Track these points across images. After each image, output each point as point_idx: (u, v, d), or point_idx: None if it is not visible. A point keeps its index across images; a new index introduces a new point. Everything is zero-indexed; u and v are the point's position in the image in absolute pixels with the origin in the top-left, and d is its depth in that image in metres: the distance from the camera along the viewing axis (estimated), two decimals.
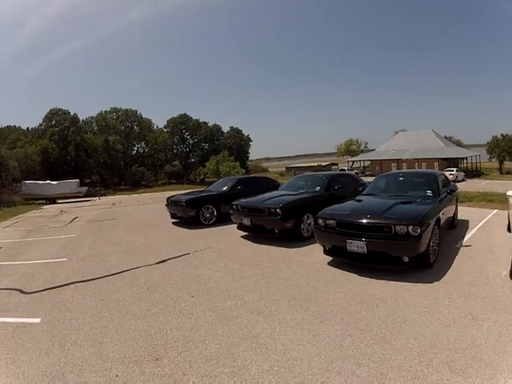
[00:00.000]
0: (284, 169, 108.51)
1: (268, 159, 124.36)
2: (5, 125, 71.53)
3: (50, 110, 66.53)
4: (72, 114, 66.60)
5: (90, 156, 65.99)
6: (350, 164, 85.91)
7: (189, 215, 14.18)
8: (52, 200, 39.40)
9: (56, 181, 43.80)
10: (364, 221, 7.12)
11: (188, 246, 10.52)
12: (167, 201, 15.98)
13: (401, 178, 10.74)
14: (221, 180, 18.85)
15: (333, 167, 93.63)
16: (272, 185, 16.30)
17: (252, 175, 22.46)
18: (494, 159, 80.00)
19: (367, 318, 5.13)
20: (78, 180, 44.86)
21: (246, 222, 10.77)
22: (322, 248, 8.06)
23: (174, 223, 15.19)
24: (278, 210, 9.96)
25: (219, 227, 13.59)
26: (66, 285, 7.48)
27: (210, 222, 14.35)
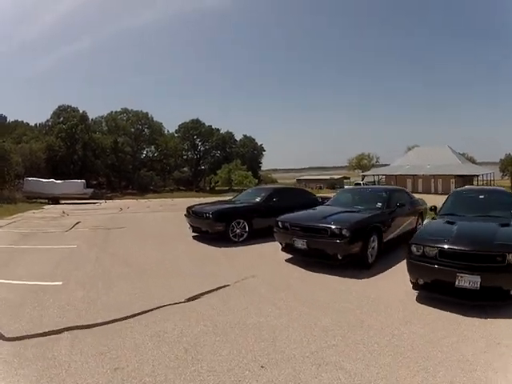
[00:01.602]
0: (295, 180, 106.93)
1: (275, 170, 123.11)
2: (12, 119, 69.30)
3: (59, 107, 65.36)
4: (81, 111, 64.71)
5: (97, 157, 64.30)
6: (362, 178, 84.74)
7: (216, 230, 11.93)
8: (55, 200, 37.44)
9: (61, 180, 41.97)
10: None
11: (222, 272, 8.32)
12: (188, 211, 13.55)
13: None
14: (250, 190, 17.05)
15: (345, 181, 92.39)
16: (310, 198, 15.04)
17: (286, 186, 20.20)
18: (507, 177, 78.60)
19: None
20: (83, 181, 43.03)
21: (300, 244, 8.65)
22: (408, 281, 6.62)
23: (194, 237, 12.90)
24: (344, 230, 7.97)
25: (252, 246, 11.45)
26: (58, 332, 5.11)
27: (241, 238, 12.09)
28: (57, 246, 11.60)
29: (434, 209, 9.41)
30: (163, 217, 21.99)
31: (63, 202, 37.71)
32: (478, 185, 59.02)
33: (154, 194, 63.48)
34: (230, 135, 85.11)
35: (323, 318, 5.50)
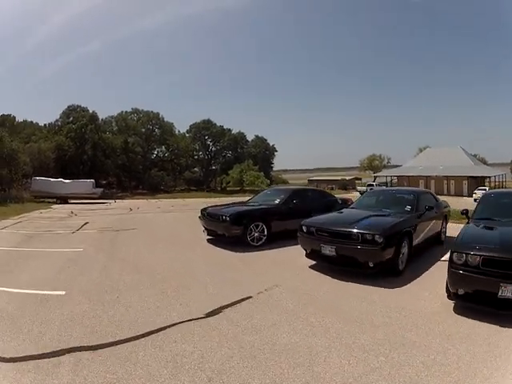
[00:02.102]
0: (306, 181, 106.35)
1: (284, 171, 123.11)
2: (21, 119, 68.85)
3: (68, 106, 65.15)
4: (91, 111, 64.16)
5: (107, 157, 63.78)
6: (374, 179, 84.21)
7: (233, 233, 11.19)
8: (63, 199, 37.10)
9: (69, 180, 41.45)
10: None
11: (243, 281, 7.57)
12: (202, 213, 12.86)
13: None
14: (267, 191, 16.29)
15: (356, 182, 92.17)
16: (330, 199, 14.41)
17: (305, 187, 19.44)
18: None
19: None
20: (93, 180, 42.43)
21: (328, 250, 7.92)
22: (442, 289, 6.27)
23: (209, 241, 12.14)
24: (377, 236, 7.33)
25: (271, 250, 10.66)
26: (59, 353, 4.39)
27: (259, 242, 11.31)
28: (62, 249, 10.90)
29: (465, 213, 8.56)
30: (175, 218, 21.30)
31: (72, 201, 37.30)
32: (490, 186, 59.80)
33: (165, 194, 62.90)
34: (241, 135, 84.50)
35: (361, 336, 4.89)
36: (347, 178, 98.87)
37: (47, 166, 52.43)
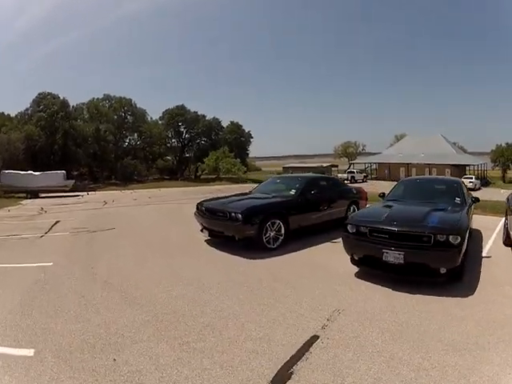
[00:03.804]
0: (281, 168, 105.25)
1: (256, 158, 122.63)
2: None
3: (39, 94, 61.97)
4: (62, 98, 61.61)
5: (78, 146, 61.11)
6: (349, 166, 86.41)
7: (246, 235, 9.36)
8: (34, 193, 34.81)
9: (41, 171, 39.21)
10: None
11: (289, 308, 5.86)
12: (198, 208, 10.98)
13: None
14: (275, 179, 14.36)
15: (333, 169, 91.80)
16: (345, 189, 13.38)
17: (319, 175, 17.91)
18: (498, 167, 79.53)
19: None
20: (64, 171, 40.17)
21: (394, 257, 6.65)
22: None
23: (209, 242, 10.52)
24: (453, 236, 6.39)
25: (293, 254, 9.29)
26: None
27: (276, 244, 9.70)
28: (26, 263, 8.86)
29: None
30: (156, 211, 19.59)
31: (43, 195, 35.27)
32: (474, 175, 59.85)
33: (138, 183, 60.50)
34: (216, 121, 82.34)
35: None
36: (324, 164, 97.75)
37: (17, 158, 49.50)
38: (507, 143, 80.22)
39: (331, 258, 8.39)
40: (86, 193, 39.20)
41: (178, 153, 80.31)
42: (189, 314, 5.73)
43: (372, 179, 69.33)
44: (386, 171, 70.73)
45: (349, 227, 7.42)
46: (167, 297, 6.50)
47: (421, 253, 6.45)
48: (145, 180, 67.48)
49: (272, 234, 9.57)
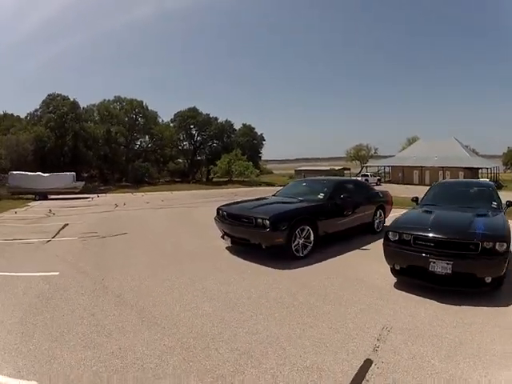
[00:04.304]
0: (293, 171, 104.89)
1: (267, 161, 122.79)
2: (2, 112, 65.31)
3: (48, 95, 61.45)
4: (72, 99, 61.15)
5: (89, 147, 60.60)
6: (361, 169, 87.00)
7: (275, 243, 8.44)
8: (43, 195, 34.12)
9: (48, 173, 38.35)
10: None
11: (332, 327, 5.17)
12: (219, 213, 10.06)
13: None
14: (300, 182, 13.50)
15: (345, 172, 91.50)
16: (372, 193, 12.64)
17: (347, 178, 17.01)
18: (510, 171, 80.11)
19: None
20: (73, 173, 39.21)
21: (441, 267, 6.13)
22: None
23: (230, 250, 9.61)
24: (500, 244, 5.96)
25: (324, 263, 8.48)
26: None
27: (304, 252, 8.82)
28: (29, 272, 7.93)
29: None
30: (169, 216, 18.30)
31: (52, 197, 34.59)
32: (488, 178, 58.21)
33: (149, 186, 59.90)
34: (228, 124, 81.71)
35: None
36: (336, 168, 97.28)
37: (25, 159, 48.96)
38: None
39: (364, 267, 7.89)
40: (96, 195, 38.67)
41: (189, 155, 79.74)
42: (219, 339, 4.79)
43: (385, 182, 68.24)
44: (399, 174, 69.58)
45: (390, 235, 6.75)
46: (191, 316, 5.52)
47: (469, 262, 6.01)
48: (156, 183, 67.07)
49: (301, 241, 8.70)
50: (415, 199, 9.66)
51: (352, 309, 5.75)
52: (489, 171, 65.51)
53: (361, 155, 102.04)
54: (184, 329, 5.08)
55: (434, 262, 6.07)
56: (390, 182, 69.03)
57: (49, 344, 4.67)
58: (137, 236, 12.32)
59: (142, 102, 71.89)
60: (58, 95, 61.59)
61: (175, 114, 77.73)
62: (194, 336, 4.86)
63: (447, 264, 5.98)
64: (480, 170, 64.58)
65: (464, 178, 56.44)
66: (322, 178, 16.43)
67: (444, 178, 61.15)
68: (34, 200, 31.98)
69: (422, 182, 63.01)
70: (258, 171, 70.33)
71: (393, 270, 6.84)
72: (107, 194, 41.70)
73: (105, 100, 70.83)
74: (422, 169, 66.58)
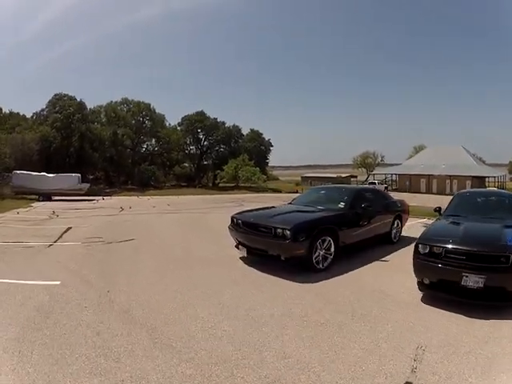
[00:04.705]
0: (299, 178, 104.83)
1: (273, 167, 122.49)
2: (8, 110, 64.94)
3: (55, 95, 61.35)
4: (79, 100, 61.10)
5: (95, 149, 60.39)
6: (367, 177, 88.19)
7: (296, 254, 7.89)
8: (47, 196, 33.57)
9: (53, 174, 37.90)
10: None
11: (365, 354, 4.62)
12: (234, 222, 9.39)
13: None
14: (317, 190, 13.13)
15: (352, 180, 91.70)
16: (390, 202, 12.02)
17: (365, 186, 16.35)
18: None
19: None
20: (79, 175, 38.65)
21: (473, 281, 5.91)
22: None
23: (243, 260, 8.98)
24: None
25: (344, 276, 7.98)
26: None
27: (325, 264, 8.27)
28: (28, 279, 7.29)
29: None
30: (178, 221, 17.66)
31: (56, 198, 34.12)
32: (495, 186, 58.45)
33: (155, 190, 59.64)
34: (236, 129, 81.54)
35: None
36: (343, 175, 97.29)
37: (30, 159, 48.62)
38: None
39: (387, 280, 7.55)
40: (101, 197, 38.19)
41: (196, 160, 79.57)
42: (245, 364, 4.20)
43: (392, 190, 67.72)
44: (406, 183, 69.11)
45: (420, 247, 6.48)
46: (210, 337, 4.90)
47: (500, 275, 5.85)
48: (162, 186, 66.44)
49: (322, 252, 8.16)
50: (438, 209, 9.34)
51: (383, 327, 5.37)
52: (495, 180, 65.47)
53: (367, 163, 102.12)
54: (203, 353, 4.46)
55: (467, 276, 5.84)
56: (396, 190, 68.51)
57: (49, 367, 4.07)
58: (144, 242, 11.63)
59: (149, 105, 71.80)
60: (65, 95, 61.49)
61: (182, 118, 77.59)
62: (216, 361, 4.25)
63: (480, 278, 5.78)
64: (487, 179, 64.74)
65: (471, 186, 56.74)
66: (341, 185, 16.22)
67: (451, 186, 61.78)
68: (38, 201, 31.49)
69: (429, 191, 63.06)
70: (265, 177, 70.05)
71: (421, 284, 6.51)
72: (112, 197, 41.21)
73: (112, 101, 70.74)
74: (429, 177, 66.36)
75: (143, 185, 62.12)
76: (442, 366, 4.25)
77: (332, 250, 8.36)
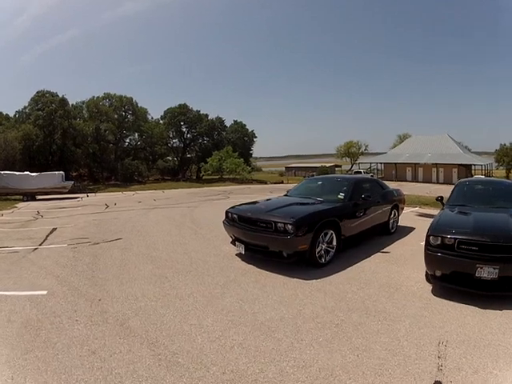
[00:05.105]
0: (283, 169, 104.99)
1: (256, 158, 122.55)
2: None
3: (37, 92, 60.22)
4: (61, 96, 60.13)
5: (78, 145, 59.73)
6: (351, 166, 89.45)
7: (299, 249, 7.49)
8: (31, 195, 32.83)
9: (39, 172, 37.12)
10: None
11: (388, 354, 4.44)
12: (229, 216, 9.06)
13: None
14: (313, 180, 13.08)
15: (336, 169, 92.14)
16: (387, 191, 11.78)
17: (363, 176, 16.02)
18: (502, 167, 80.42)
19: None
20: (62, 172, 37.77)
21: (488, 272, 5.83)
22: None
23: (240, 256, 8.71)
24: None
25: (347, 269, 7.81)
26: None
27: (327, 258, 8.03)
28: (12, 290, 6.77)
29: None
30: (167, 217, 16.97)
31: (40, 197, 33.35)
32: (483, 175, 59.31)
33: (139, 184, 58.96)
34: (219, 121, 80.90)
35: None
36: (327, 164, 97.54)
37: (13, 158, 48.00)
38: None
39: (393, 273, 7.45)
40: (85, 195, 37.53)
41: (179, 153, 78.94)
42: (264, 379, 3.84)
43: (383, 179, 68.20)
44: (393, 172, 69.56)
45: (431, 239, 6.34)
46: (219, 348, 4.49)
47: None
48: (146, 181, 65.97)
49: (324, 246, 7.91)
50: (440, 198, 9.24)
51: (400, 324, 5.22)
52: (482, 168, 65.70)
53: (351, 152, 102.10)
54: (215, 368, 4.04)
55: (481, 268, 5.79)
56: (382, 178, 68.72)
57: None
58: (133, 242, 11.07)
59: (131, 99, 70.76)
60: (47, 92, 60.51)
61: (165, 111, 76.84)
62: (231, 378, 3.85)
63: (494, 269, 5.76)
64: (474, 167, 65.20)
65: (458, 174, 58.13)
66: (339, 176, 16.10)
67: (438, 175, 63.18)
68: (22, 201, 30.90)
69: (415, 179, 63.76)
70: (249, 168, 69.58)
71: (432, 277, 6.44)
72: (96, 194, 40.47)
73: (94, 97, 69.35)
74: (415, 166, 66.80)
75: (127, 180, 61.45)
76: (466, 361, 4.21)
77: (334, 243, 8.15)
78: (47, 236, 12.31)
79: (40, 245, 10.88)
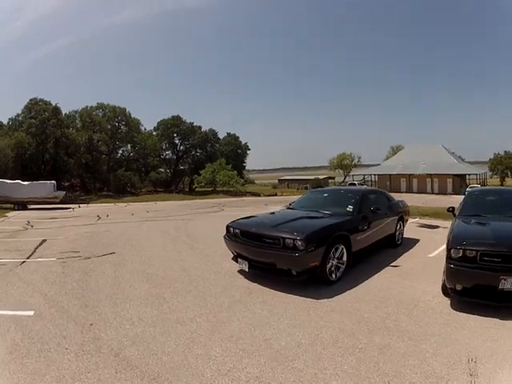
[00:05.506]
0: (276, 181, 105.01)
1: (248, 171, 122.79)
2: None
3: (30, 100, 60.10)
4: (54, 104, 60.02)
5: (70, 155, 59.36)
6: (344, 178, 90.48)
7: (310, 267, 7.05)
8: (22, 205, 32.38)
9: (30, 181, 36.72)
10: None
11: (421, 378, 4.13)
12: (231, 231, 8.51)
13: None
14: (318, 192, 12.27)
15: (330, 181, 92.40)
16: (393, 203, 11.48)
17: (370, 188, 15.68)
18: (497, 176, 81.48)
19: None
20: (54, 182, 37.20)
21: (510, 284, 5.62)
22: None
23: (242, 273, 8.13)
24: None
25: (359, 286, 7.48)
26: None
27: (338, 274, 7.62)
28: None
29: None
30: (161, 230, 16.41)
31: (31, 207, 32.97)
32: (473, 184, 59.23)
33: (132, 196, 58.52)
34: (212, 133, 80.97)
35: None
36: (321, 177, 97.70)
37: (6, 166, 47.62)
38: (506, 151, 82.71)
39: (407, 288, 7.19)
40: (77, 205, 36.84)
41: (172, 165, 78.80)
42: None
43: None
44: (387, 183, 69.15)
45: (453, 252, 6.08)
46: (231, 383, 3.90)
47: None
48: (138, 193, 65.37)
49: (334, 262, 7.46)
50: (451, 209, 9.13)
51: (426, 343, 4.92)
52: (477, 177, 66.42)
53: (344, 164, 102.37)
54: None
55: (505, 279, 5.63)
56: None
57: None
58: (127, 257, 10.47)
59: (124, 110, 70.65)
60: (41, 100, 60.40)
61: (158, 123, 76.83)
62: None
63: None
64: (468, 177, 65.87)
65: (453, 184, 60.36)
66: (345, 187, 15.64)
67: (432, 185, 63.91)
68: (13, 210, 30.60)
69: (409, 190, 64.01)
70: (242, 180, 69.42)
71: (452, 290, 6.17)
72: (89, 205, 39.94)
73: (87, 106, 69.26)
74: (409, 176, 67.26)
75: (119, 191, 60.83)
76: (497, 378, 4.06)
77: (344, 258, 7.75)
78: (36, 248, 11.74)
79: (28, 258, 10.32)
